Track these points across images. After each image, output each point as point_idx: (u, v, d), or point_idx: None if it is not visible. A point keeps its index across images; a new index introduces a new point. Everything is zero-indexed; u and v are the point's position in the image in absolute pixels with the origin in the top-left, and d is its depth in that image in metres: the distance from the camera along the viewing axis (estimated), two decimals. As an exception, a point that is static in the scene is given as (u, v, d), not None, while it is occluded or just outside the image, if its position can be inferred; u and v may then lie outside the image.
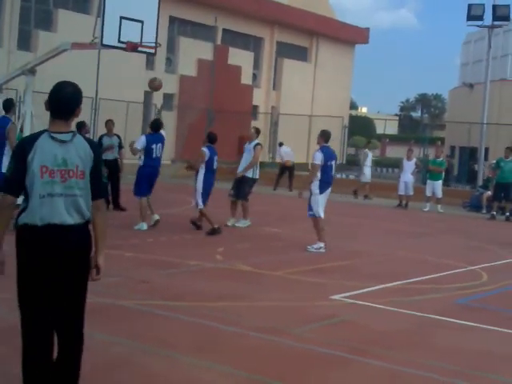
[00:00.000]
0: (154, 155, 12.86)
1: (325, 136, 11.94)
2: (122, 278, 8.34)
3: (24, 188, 4.17)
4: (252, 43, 40.38)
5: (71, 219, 4.17)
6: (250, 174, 14.08)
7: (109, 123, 16.11)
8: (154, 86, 14.35)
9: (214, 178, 13.23)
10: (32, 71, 14.85)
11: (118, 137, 16.12)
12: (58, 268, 4.17)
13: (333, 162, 11.88)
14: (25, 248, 4.17)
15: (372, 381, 5.56)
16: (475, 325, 7.48)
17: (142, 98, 32.42)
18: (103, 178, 4.57)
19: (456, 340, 6.94)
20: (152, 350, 5.78)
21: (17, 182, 4.17)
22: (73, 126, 4.44)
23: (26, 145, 4.20)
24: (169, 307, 7.27)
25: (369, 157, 24.11)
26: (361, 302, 8.13)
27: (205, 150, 13.02)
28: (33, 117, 14.62)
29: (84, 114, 19.77)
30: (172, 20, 34.05)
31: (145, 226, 12.69)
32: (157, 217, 12.90)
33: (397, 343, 6.65)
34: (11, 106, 12.88)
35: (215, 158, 13.18)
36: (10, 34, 27.51)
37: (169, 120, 31.90)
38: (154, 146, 12.84)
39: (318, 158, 11.61)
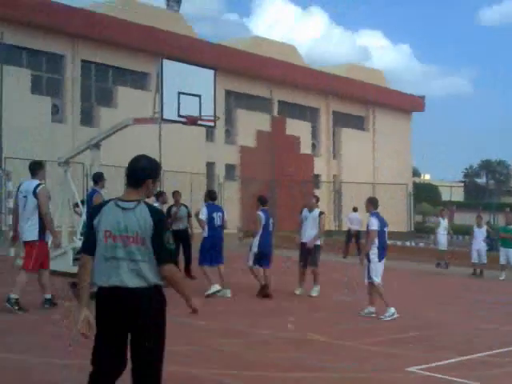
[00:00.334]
0: (215, 224, 13.03)
1: (373, 202, 11.91)
2: (192, 346, 8.31)
3: (95, 249, 4.61)
4: (308, 113, 40.72)
5: (132, 282, 4.49)
6: (318, 242, 13.95)
7: (176, 194, 16.28)
8: None
9: (271, 239, 13.56)
10: (97, 145, 15.23)
11: (186, 207, 16.25)
12: (123, 326, 4.53)
13: (386, 228, 11.74)
14: (97, 303, 4.65)
15: None
16: None
17: (205, 169, 32.80)
18: (168, 245, 4.63)
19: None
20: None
21: (88, 242, 4.67)
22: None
23: (93, 210, 4.75)
24: (242, 377, 7.10)
25: (441, 224, 23.44)
26: (438, 375, 7.73)
27: (260, 213, 13.33)
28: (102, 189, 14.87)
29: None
30: (228, 93, 34.68)
31: (228, 293, 12.91)
32: (217, 287, 12.82)
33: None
34: (100, 179, 13.44)
35: (270, 220, 13.51)
36: (73, 110, 28.38)
37: (231, 191, 32.16)
38: (214, 215, 13.04)
39: (375, 224, 11.51)
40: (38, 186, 10.35)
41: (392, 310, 11.35)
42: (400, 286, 16.59)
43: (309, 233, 13.81)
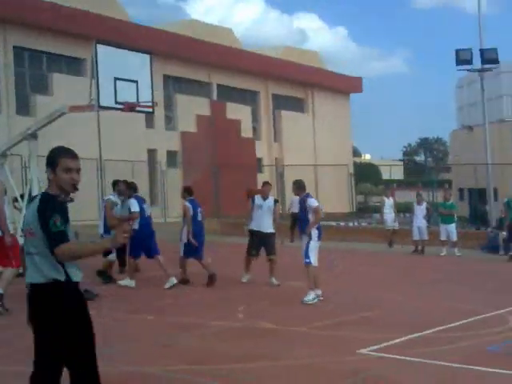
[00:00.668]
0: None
1: (301, 185, 11.83)
2: (144, 343, 8.21)
3: None
4: (248, 97, 40.63)
5: (34, 278, 4.41)
6: (273, 230, 13.60)
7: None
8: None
9: (201, 229, 13.31)
10: (34, 136, 14.82)
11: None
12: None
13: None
14: None
15: None
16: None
17: (146, 157, 32.42)
18: (53, 228, 4.38)
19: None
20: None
21: None
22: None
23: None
24: (192, 371, 6.99)
25: (386, 203, 23.59)
26: (389, 355, 7.80)
27: (187, 204, 13.15)
28: (40, 182, 14.49)
29: (90, 175, 20.00)
30: (166, 78, 34.28)
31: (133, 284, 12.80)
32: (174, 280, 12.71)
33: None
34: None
35: (199, 209, 13.29)
36: (8, 99, 27.61)
37: (174, 178, 31.83)
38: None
39: (315, 201, 11.51)
40: None
41: (312, 295, 11.23)
42: (345, 267, 16.73)
43: (265, 221, 13.47)
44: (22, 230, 4.77)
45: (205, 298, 12.00)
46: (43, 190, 4.67)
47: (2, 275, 10.19)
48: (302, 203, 11.61)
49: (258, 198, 13.59)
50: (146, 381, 6.55)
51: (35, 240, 4.41)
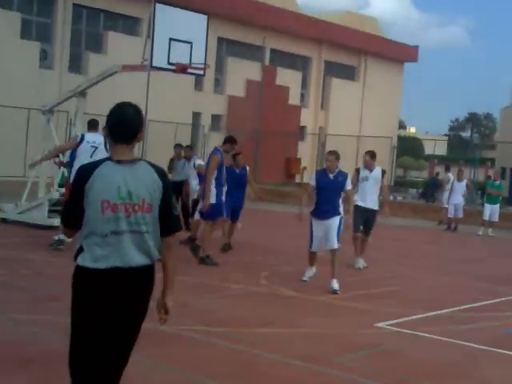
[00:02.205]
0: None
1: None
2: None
3: (81, 222, 3.74)
4: (300, 63, 40.38)
5: (136, 260, 3.75)
6: (377, 207, 12.52)
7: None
8: None
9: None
10: (83, 94, 15.08)
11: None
12: (118, 311, 3.78)
13: None
14: (82, 292, 3.77)
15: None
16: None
17: (191, 120, 32.66)
18: (174, 210, 3.96)
19: (507, 373, 6.71)
20: (191, 378, 5.72)
21: (73, 215, 3.78)
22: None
23: (82, 172, 3.77)
24: (209, 333, 7.19)
25: (456, 185, 21.69)
26: (407, 331, 7.93)
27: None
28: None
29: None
30: (220, 41, 34.29)
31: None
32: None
33: (443, 375, 6.46)
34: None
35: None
36: (62, 56, 28.00)
37: (217, 141, 32.02)
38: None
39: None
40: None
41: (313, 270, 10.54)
42: (374, 240, 16.77)
43: (371, 196, 12.28)
44: (127, 202, 3.71)
45: (230, 262, 12.09)
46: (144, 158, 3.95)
47: None
48: (333, 182, 10.22)
49: (362, 171, 12.35)
50: (162, 338, 6.69)
51: (149, 217, 3.78)
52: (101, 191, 3.66)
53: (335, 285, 9.86)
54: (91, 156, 11.59)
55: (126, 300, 3.77)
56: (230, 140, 12.23)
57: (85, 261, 3.70)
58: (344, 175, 10.30)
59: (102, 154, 11.39)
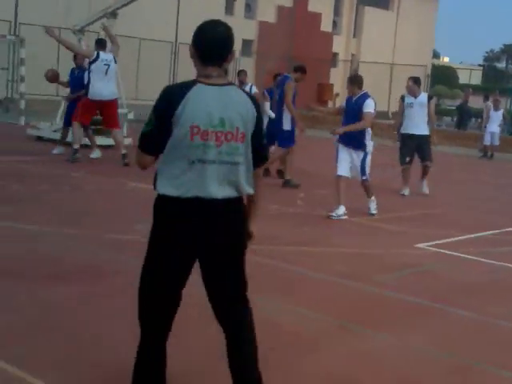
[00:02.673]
0: None
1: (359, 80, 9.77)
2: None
3: (163, 148, 3.40)
4: (333, -11, 39.51)
5: (224, 192, 3.40)
6: (427, 132, 11.91)
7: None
8: (48, 77, 13.93)
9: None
10: (114, 14, 14.86)
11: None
12: (197, 249, 3.46)
13: None
14: (163, 222, 3.46)
15: (455, 329, 5.35)
16: None
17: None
18: (265, 140, 3.66)
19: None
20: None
21: (157, 140, 3.39)
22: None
23: (173, 94, 3.36)
24: (248, 249, 7.13)
25: (493, 114, 20.98)
26: (446, 251, 7.85)
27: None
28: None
29: (165, 58, 20.26)
30: (254, -36, 33.54)
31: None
32: None
33: (483, 294, 6.40)
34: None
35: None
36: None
37: (247, 66, 31.67)
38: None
39: (372, 106, 9.48)
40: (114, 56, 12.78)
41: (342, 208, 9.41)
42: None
43: (417, 123, 11.75)
44: (219, 130, 3.35)
45: (270, 184, 12.05)
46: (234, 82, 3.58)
47: (119, 137, 12.69)
48: (356, 106, 9.46)
49: (407, 97, 11.91)
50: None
51: (243, 147, 3.42)
52: (191, 116, 3.30)
53: (372, 206, 9.70)
54: (106, 73, 12.46)
55: (213, 232, 3.42)
56: (301, 69, 11.98)
57: (166, 188, 3.37)
58: (363, 98, 9.42)
59: (113, 71, 12.60)
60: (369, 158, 9.45)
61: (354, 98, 9.54)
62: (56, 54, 22.51)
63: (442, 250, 7.89)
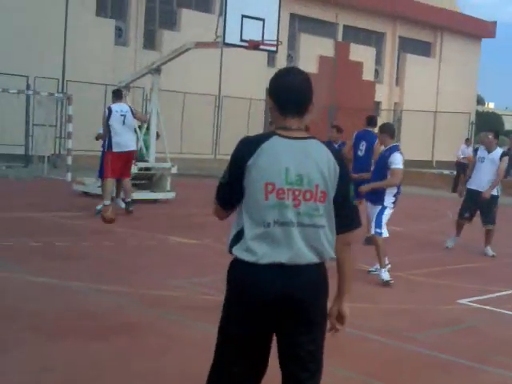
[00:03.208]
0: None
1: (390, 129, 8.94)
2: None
3: (237, 203, 3.16)
4: (374, 39, 39.79)
5: (305, 258, 3.08)
6: (495, 192, 11.30)
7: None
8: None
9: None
10: (157, 70, 15.30)
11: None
12: (282, 320, 3.13)
13: None
14: (237, 288, 3.18)
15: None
16: None
17: (264, 95, 32.62)
18: (352, 202, 3.25)
19: None
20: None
21: (229, 193, 3.18)
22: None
23: (245, 146, 3.11)
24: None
25: None
26: (489, 308, 7.73)
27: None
28: (159, 114, 15.08)
29: (208, 111, 20.50)
30: (293, 17, 34.08)
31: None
32: None
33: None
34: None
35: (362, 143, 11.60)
36: (137, 33, 28.34)
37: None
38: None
39: (401, 161, 8.56)
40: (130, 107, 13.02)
41: (387, 274, 8.59)
42: (455, 216, 16.39)
43: (482, 178, 11.07)
44: (297, 188, 3.03)
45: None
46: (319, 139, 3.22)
47: (125, 186, 12.85)
48: (383, 158, 8.68)
49: (481, 150, 11.33)
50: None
51: (324, 207, 3.09)
52: (265, 171, 3.01)
53: (382, 275, 8.52)
54: (123, 123, 12.65)
55: (293, 301, 3.09)
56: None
57: (242, 252, 3.09)
58: (391, 150, 8.55)
59: (130, 120, 12.78)
60: (387, 212, 8.57)
61: (384, 150, 8.76)
62: (101, 112, 22.99)
63: (484, 307, 7.76)
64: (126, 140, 12.78)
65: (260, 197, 3.03)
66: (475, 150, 11.54)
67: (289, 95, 3.16)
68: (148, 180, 15.28)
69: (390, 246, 10.76)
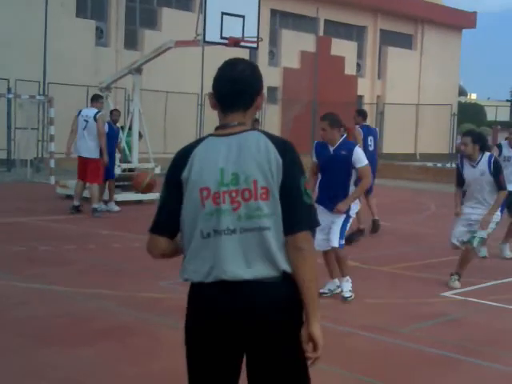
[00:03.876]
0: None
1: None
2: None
3: (177, 226, 2.79)
4: (355, 32, 39.87)
5: (251, 271, 2.66)
6: None
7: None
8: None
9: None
10: (139, 70, 15.28)
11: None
12: (237, 345, 2.76)
13: None
14: (190, 311, 2.84)
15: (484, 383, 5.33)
16: None
17: (246, 93, 32.66)
18: (305, 197, 2.73)
19: None
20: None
21: (169, 216, 2.79)
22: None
23: (179, 157, 2.80)
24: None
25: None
26: (473, 300, 7.80)
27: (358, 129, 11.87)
28: (141, 114, 15.07)
29: (190, 110, 20.54)
30: (273, 13, 34.10)
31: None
32: None
33: (510, 342, 6.35)
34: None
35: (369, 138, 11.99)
36: (117, 34, 28.24)
37: (273, 113, 32.02)
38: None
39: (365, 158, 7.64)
40: (98, 113, 12.69)
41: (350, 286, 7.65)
42: (437, 209, 16.53)
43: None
44: (233, 189, 2.68)
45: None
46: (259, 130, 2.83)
47: (92, 192, 12.61)
48: (338, 157, 7.42)
49: (505, 148, 10.57)
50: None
51: (267, 206, 2.66)
52: (200, 176, 2.69)
53: (344, 287, 7.61)
54: (84, 128, 12.61)
55: (249, 328, 2.69)
56: None
57: (186, 273, 2.78)
58: (347, 145, 7.51)
59: (92, 127, 12.57)
60: (351, 221, 7.63)
61: (333, 148, 7.48)
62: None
63: (468, 299, 7.84)
64: (80, 145, 12.81)
65: (197, 205, 2.69)
66: (498, 147, 10.56)
67: (230, 87, 2.80)
68: (132, 181, 15.25)
69: (374, 239, 10.91)
